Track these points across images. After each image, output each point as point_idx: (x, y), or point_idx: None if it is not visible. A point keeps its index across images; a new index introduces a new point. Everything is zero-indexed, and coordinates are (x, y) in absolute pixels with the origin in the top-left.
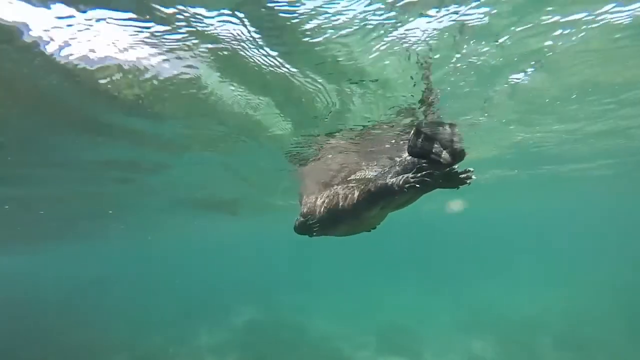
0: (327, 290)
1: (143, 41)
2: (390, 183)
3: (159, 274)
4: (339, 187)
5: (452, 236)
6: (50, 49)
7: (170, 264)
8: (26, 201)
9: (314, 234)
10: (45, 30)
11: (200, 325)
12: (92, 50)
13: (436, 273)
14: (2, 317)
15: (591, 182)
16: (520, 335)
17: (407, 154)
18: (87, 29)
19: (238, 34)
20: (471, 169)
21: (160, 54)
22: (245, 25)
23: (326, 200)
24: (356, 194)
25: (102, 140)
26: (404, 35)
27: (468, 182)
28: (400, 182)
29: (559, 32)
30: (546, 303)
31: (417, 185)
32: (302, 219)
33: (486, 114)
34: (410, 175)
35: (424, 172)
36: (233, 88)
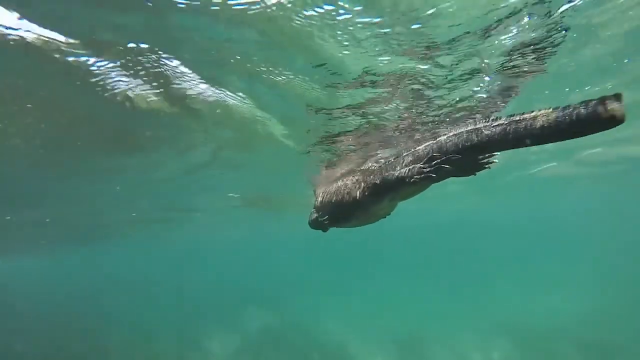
0: (342, 295)
1: None
2: (399, 174)
3: (168, 277)
4: (347, 179)
5: (470, 240)
6: None
7: (180, 267)
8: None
9: (327, 228)
10: None
11: (211, 329)
12: None
13: (453, 278)
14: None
15: (613, 182)
16: (542, 342)
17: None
18: None
19: None
20: (496, 154)
21: None
22: None
23: (334, 196)
24: (361, 187)
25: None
26: None
27: (487, 166)
28: (411, 173)
29: None
30: (567, 308)
31: (433, 175)
32: (314, 214)
33: None
34: (421, 165)
35: (437, 161)
36: None
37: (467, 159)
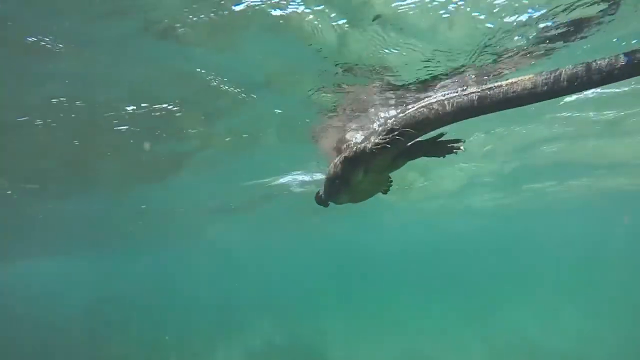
0: (350, 313)
1: None
2: (362, 146)
3: (173, 291)
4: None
5: (481, 260)
6: None
7: (185, 281)
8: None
9: (326, 204)
10: None
11: (216, 345)
12: None
13: (464, 298)
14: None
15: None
16: None
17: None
18: None
19: None
20: (461, 139)
21: None
22: None
23: (328, 173)
24: (341, 160)
25: None
26: None
27: (455, 151)
28: (371, 144)
29: None
30: (582, 333)
31: (388, 146)
32: (319, 193)
33: None
34: (381, 137)
35: (393, 134)
36: None
37: (425, 132)
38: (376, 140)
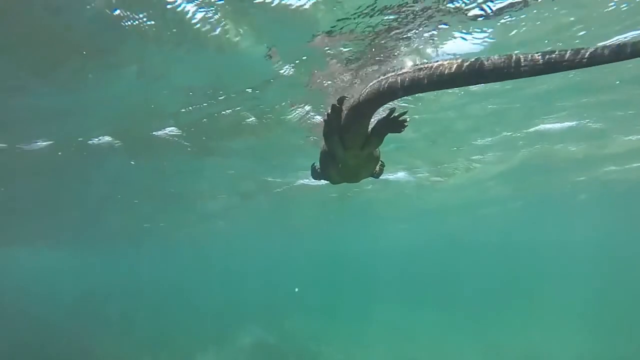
0: (343, 318)
1: None
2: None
3: (164, 290)
4: None
5: (478, 269)
6: None
7: (177, 280)
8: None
9: (319, 177)
10: None
11: (206, 345)
12: None
13: (460, 307)
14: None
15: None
16: None
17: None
18: None
19: None
20: (405, 112)
21: None
22: None
23: (320, 149)
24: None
25: None
26: None
27: (405, 124)
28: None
29: None
30: (585, 345)
31: (325, 119)
32: (313, 165)
33: None
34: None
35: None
36: None
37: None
38: (325, 114)
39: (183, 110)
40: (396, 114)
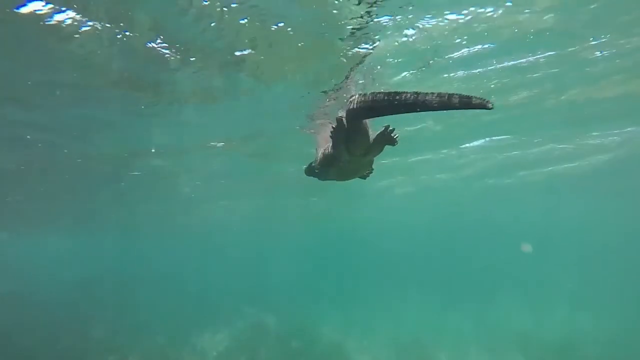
0: (342, 300)
1: None
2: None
3: (161, 273)
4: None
5: (474, 248)
6: None
7: (174, 263)
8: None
9: (318, 175)
10: None
11: (205, 329)
12: None
13: (457, 287)
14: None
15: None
16: (552, 358)
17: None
18: None
19: None
20: (394, 128)
21: None
22: None
23: (324, 151)
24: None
25: None
26: None
27: (395, 138)
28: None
29: None
30: (576, 324)
31: (330, 134)
32: (311, 164)
33: None
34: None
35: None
36: None
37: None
38: (332, 126)
39: None
40: (387, 130)
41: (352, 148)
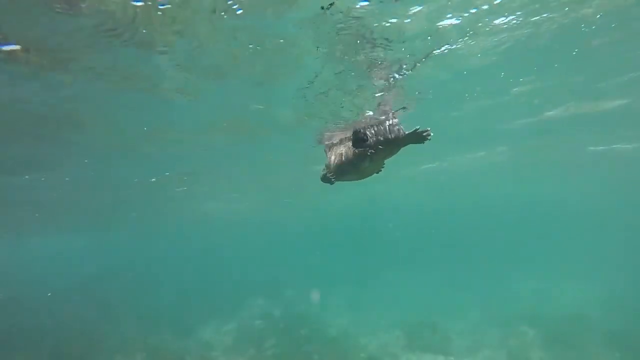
0: (348, 285)
1: None
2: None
3: (167, 266)
4: (342, 145)
5: (479, 226)
6: None
7: (179, 256)
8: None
9: (333, 182)
10: None
11: (213, 320)
12: None
13: (463, 265)
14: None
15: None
16: (563, 330)
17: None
18: None
19: None
20: (428, 128)
21: None
22: None
23: (336, 158)
24: (350, 153)
25: None
26: None
27: (429, 138)
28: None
29: None
30: (586, 296)
31: (357, 151)
32: (324, 171)
33: None
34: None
35: (360, 141)
36: None
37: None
38: (354, 150)
39: None
40: (418, 131)
41: (377, 159)
